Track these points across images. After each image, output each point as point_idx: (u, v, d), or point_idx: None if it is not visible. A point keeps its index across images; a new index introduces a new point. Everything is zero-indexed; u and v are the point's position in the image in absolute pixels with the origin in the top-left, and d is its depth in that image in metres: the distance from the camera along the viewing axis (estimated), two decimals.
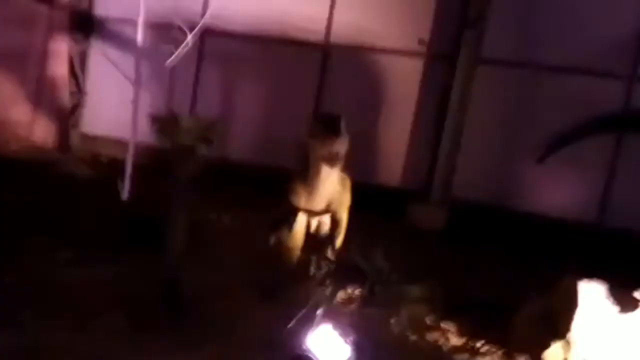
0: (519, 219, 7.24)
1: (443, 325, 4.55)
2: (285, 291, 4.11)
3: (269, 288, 4.15)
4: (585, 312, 3.95)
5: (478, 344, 4.34)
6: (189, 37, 5.56)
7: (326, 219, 4.32)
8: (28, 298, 4.02)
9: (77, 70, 7.86)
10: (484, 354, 4.23)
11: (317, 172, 3.91)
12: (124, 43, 7.26)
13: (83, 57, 7.83)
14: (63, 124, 7.88)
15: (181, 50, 5.48)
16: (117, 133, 7.51)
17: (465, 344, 4.34)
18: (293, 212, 4.07)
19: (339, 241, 4.14)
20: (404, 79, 7.74)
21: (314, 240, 4.37)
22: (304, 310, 3.19)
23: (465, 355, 4.19)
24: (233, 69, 8.20)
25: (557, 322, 4.08)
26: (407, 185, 7.87)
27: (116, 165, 7.74)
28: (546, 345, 4.03)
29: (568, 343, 3.94)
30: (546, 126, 7.22)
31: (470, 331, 4.46)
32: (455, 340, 4.37)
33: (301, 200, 4.06)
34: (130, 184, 5.50)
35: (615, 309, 3.92)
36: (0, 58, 7.38)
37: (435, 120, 7.49)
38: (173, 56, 5.37)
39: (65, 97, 7.81)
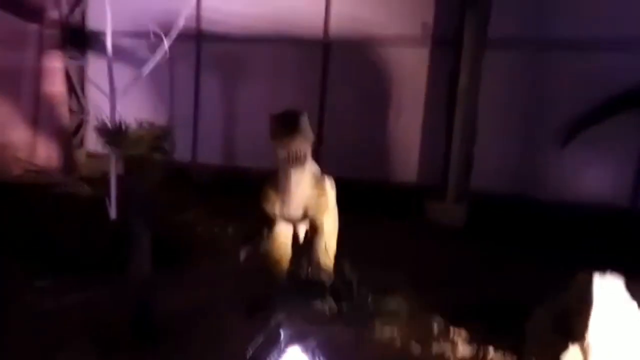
0: (545, 208, 6.74)
1: (452, 333, 4.13)
2: (272, 308, 3.74)
3: (253, 305, 3.79)
4: (603, 310, 3.49)
5: (490, 353, 3.90)
6: (165, 43, 5.34)
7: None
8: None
9: (77, 87, 7.70)
10: None
11: (286, 176, 3.54)
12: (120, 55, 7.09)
13: (81, 74, 7.68)
14: (66, 144, 7.71)
15: (157, 57, 5.25)
16: None
17: (475, 353, 3.91)
18: (269, 221, 3.71)
19: (320, 249, 3.71)
20: (410, 69, 7.36)
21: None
22: (264, 334, 2.83)
23: None
24: (233, 73, 7.93)
25: (573, 323, 3.62)
26: (423, 182, 7.45)
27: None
28: (562, 350, 3.56)
29: (586, 346, 3.48)
30: (567, 107, 6.72)
31: (482, 338, 4.02)
32: (464, 350, 3.94)
33: (275, 208, 3.69)
34: (119, 202, 5.26)
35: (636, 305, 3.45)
36: None
37: (446, 111, 7.06)
38: (148, 63, 5.13)
39: (65, 116, 7.65)
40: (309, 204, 3.65)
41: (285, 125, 3.33)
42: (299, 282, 2.98)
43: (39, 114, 7.45)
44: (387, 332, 2.91)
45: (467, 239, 6.38)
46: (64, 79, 7.58)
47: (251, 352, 2.88)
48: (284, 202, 3.63)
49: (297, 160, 3.34)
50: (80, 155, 7.93)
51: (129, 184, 3.62)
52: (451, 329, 4.16)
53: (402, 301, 3.04)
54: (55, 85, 7.71)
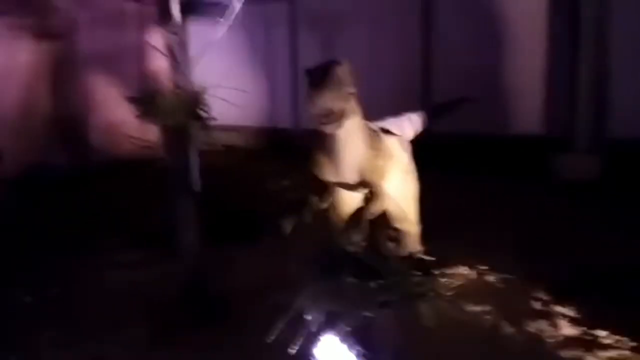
0: None
1: (556, 310, 3.49)
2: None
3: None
4: None
5: (601, 334, 3.22)
6: (238, 5, 5.05)
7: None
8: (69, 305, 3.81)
9: (181, 61, 7.69)
10: (606, 347, 3.11)
11: (334, 137, 3.07)
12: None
13: (183, 47, 7.67)
14: None
15: (229, 21, 4.99)
16: (229, 120, 7.25)
17: (581, 334, 3.25)
18: (321, 188, 3.27)
19: (369, 214, 3.15)
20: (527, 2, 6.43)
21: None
22: (287, 319, 2.45)
23: (579, 350, 3.10)
24: (329, 29, 7.48)
25: None
26: (550, 132, 6.57)
27: (230, 153, 7.58)
28: None
29: None
30: None
31: (594, 317, 3.33)
32: (568, 330, 3.29)
33: (327, 173, 3.23)
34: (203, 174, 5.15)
35: None
36: (99, 61, 7.45)
37: (570, 48, 6.11)
38: (221, 29, 4.89)
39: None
40: (363, 166, 3.15)
41: (314, 80, 2.87)
42: (336, 257, 2.53)
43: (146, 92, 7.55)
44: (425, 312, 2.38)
45: (599, 195, 5.52)
46: (166, 54, 7.59)
47: (272, 339, 2.51)
48: (335, 165, 3.17)
49: (329, 119, 2.86)
50: None
51: (169, 157, 3.38)
52: (556, 305, 3.53)
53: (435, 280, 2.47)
54: (158, 61, 7.78)
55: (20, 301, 3.88)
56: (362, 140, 3.12)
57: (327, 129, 2.90)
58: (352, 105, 2.96)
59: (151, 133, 7.31)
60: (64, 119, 7.25)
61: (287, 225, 3.05)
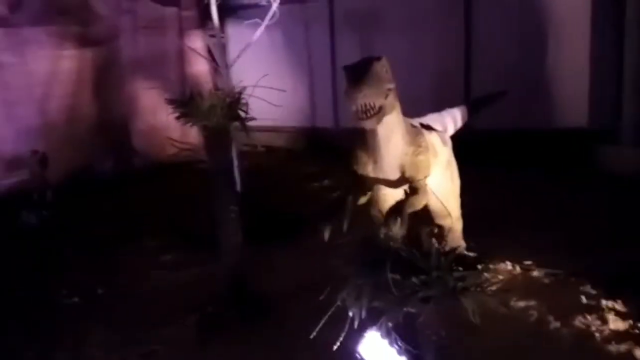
0: None
1: (603, 305, 3.43)
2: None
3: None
4: None
5: None
6: (274, 5, 5.16)
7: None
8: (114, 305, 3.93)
9: (221, 64, 7.77)
10: None
11: (373, 133, 3.07)
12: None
13: (222, 49, 7.75)
14: None
15: (265, 22, 5.13)
16: (269, 121, 7.30)
17: (630, 328, 3.19)
18: (359, 186, 3.26)
19: (409, 208, 3.10)
20: None
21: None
22: (329, 315, 2.46)
23: (627, 344, 3.05)
24: (368, 29, 7.44)
25: None
26: (596, 125, 6.41)
27: (270, 154, 7.65)
28: None
29: None
30: None
31: None
32: (616, 324, 3.23)
33: (368, 170, 3.23)
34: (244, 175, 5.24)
35: None
36: (140, 66, 7.59)
37: (615, 39, 5.96)
38: (257, 31, 5.02)
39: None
40: (404, 163, 3.14)
41: (352, 76, 2.87)
42: (378, 253, 2.52)
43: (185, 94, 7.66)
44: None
45: None
46: (206, 57, 7.70)
47: (315, 335, 2.54)
48: (376, 163, 3.16)
49: (367, 115, 2.85)
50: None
51: (210, 159, 3.44)
52: (603, 299, 3.46)
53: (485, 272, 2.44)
54: (199, 65, 7.91)
55: (67, 301, 4.02)
56: (402, 136, 3.11)
57: (367, 124, 2.89)
58: (392, 101, 2.95)
59: (192, 136, 7.53)
60: (107, 124, 7.40)
61: (326, 230, 3.04)
